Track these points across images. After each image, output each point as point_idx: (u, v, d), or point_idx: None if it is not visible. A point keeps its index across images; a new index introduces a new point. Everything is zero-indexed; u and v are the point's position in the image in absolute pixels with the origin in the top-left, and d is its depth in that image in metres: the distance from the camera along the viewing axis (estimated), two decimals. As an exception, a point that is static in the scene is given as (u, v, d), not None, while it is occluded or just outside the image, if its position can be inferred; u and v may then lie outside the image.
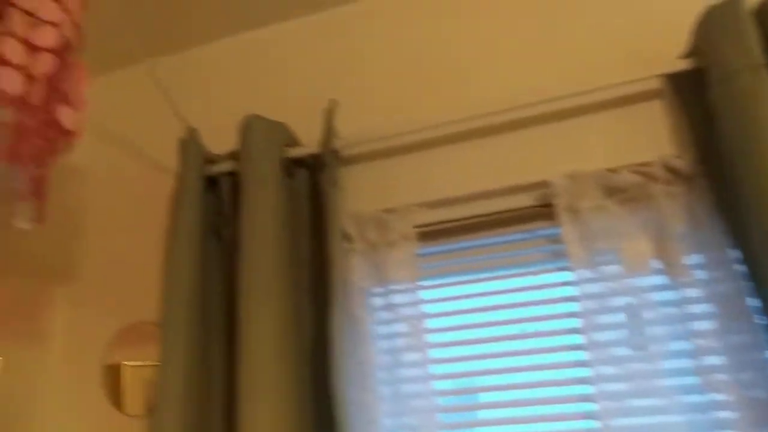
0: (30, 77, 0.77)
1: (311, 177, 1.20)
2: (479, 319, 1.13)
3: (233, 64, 1.43)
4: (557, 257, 1.10)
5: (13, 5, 0.77)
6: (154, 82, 1.14)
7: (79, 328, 1.35)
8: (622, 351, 0.98)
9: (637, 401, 0.95)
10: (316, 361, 1.05)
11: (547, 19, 1.20)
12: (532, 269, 1.12)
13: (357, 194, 1.19)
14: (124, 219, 1.40)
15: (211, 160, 1.22)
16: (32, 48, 0.79)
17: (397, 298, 1.15)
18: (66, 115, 0.84)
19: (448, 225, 1.16)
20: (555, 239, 1.10)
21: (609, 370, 0.98)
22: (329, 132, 1.09)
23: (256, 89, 1.38)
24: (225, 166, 1.22)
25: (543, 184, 1.09)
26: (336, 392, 0.96)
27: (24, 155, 0.82)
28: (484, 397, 1.10)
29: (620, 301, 1.00)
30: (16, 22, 0.77)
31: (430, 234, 1.17)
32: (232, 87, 1.41)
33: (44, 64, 0.79)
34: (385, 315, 1.15)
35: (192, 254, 1.12)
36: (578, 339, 1.04)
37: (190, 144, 1.18)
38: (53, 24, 0.81)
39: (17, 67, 0.76)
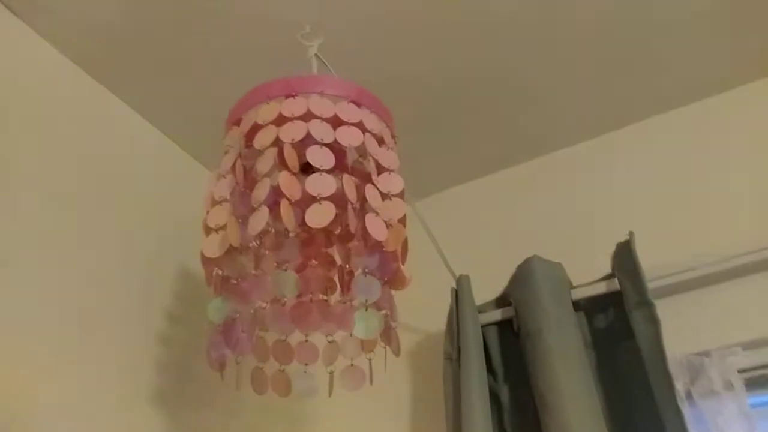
0: (387, 224, 0.74)
1: (589, 319, 1.09)
2: None
3: (481, 202, 1.40)
4: None
5: (370, 155, 0.76)
6: (421, 224, 1.09)
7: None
8: None
9: None
10: None
11: None
12: None
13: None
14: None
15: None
16: (384, 195, 0.76)
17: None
18: (406, 264, 0.79)
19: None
20: None
21: None
22: (636, 265, 0.98)
23: (511, 226, 1.33)
24: (492, 315, 1.13)
25: None
26: None
27: (383, 302, 0.77)
28: None
29: None
30: (374, 170, 0.76)
31: (759, 380, 0.99)
32: (476, 225, 1.37)
33: (398, 209, 0.76)
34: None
35: (485, 421, 0.98)
36: None
37: (464, 293, 1.10)
38: (395, 171, 0.80)
39: (379, 214, 0.73)
